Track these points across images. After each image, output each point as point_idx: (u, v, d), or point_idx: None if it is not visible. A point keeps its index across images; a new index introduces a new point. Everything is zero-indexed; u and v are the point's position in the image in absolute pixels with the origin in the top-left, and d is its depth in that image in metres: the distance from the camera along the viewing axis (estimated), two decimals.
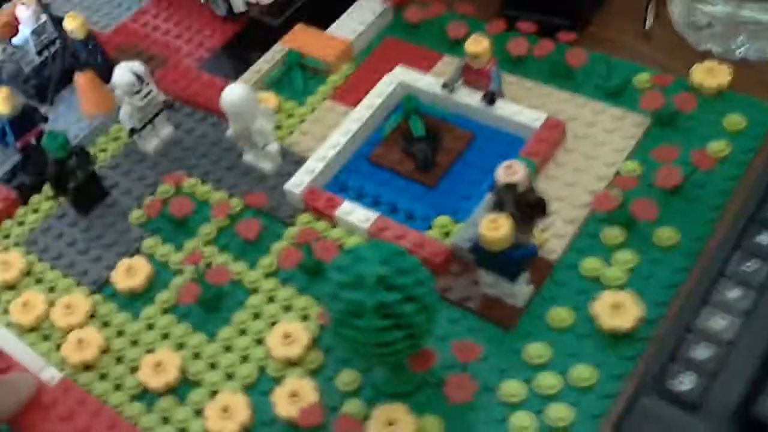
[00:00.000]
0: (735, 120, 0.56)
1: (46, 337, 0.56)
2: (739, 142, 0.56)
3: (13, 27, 0.74)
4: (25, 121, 0.64)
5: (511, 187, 0.48)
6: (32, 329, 0.56)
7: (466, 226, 0.53)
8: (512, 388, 0.47)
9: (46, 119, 0.66)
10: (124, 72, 0.60)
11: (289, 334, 0.51)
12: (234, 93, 0.56)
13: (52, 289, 0.58)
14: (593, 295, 0.50)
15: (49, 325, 0.56)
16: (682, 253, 0.51)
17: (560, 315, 0.50)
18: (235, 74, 0.68)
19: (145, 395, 0.51)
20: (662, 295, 0.50)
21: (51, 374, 0.52)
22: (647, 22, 0.65)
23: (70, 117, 0.69)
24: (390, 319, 0.41)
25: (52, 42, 0.71)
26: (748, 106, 0.57)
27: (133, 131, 0.63)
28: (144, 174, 0.63)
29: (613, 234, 0.52)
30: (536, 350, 0.48)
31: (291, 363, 0.51)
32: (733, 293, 0.46)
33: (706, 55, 0.61)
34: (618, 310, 0.48)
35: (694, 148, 0.55)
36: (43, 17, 0.70)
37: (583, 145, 0.57)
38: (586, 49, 0.62)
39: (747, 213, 0.48)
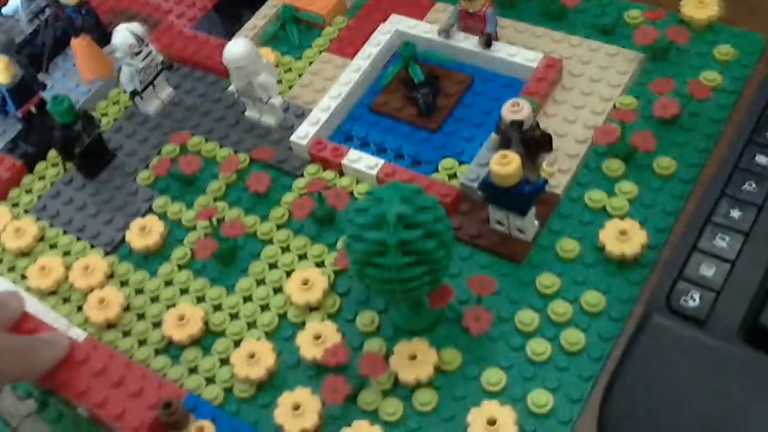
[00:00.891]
0: (725, 50, 0.58)
1: (66, 300, 0.57)
2: (731, 72, 0.57)
3: None
4: (24, 89, 0.64)
5: (516, 124, 0.49)
6: (52, 293, 0.57)
7: (472, 166, 0.55)
8: (527, 317, 0.49)
9: (44, 86, 0.67)
10: (124, 33, 0.60)
11: (307, 280, 0.52)
12: (237, 48, 0.57)
13: (67, 253, 0.59)
14: (599, 225, 0.51)
15: (68, 287, 0.57)
16: (680, 180, 0.53)
17: (568, 246, 0.51)
18: (229, 33, 0.69)
19: (170, 348, 0.53)
20: (663, 222, 0.52)
21: (76, 333, 0.53)
22: None
23: (68, 83, 0.69)
24: (412, 255, 0.43)
25: (42, 10, 0.71)
26: (737, 37, 0.59)
27: (134, 93, 0.63)
28: (147, 135, 0.64)
29: (613, 166, 0.54)
30: (547, 280, 0.50)
31: (310, 308, 0.52)
32: (734, 213, 0.48)
33: None
34: (623, 237, 0.50)
35: (687, 79, 0.57)
36: None
37: (580, 83, 0.59)
38: None
39: (744, 136, 0.50)
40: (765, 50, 0.59)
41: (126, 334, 0.54)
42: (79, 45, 0.65)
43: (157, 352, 0.53)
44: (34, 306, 0.55)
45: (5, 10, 0.71)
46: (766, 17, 0.60)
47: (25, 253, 0.60)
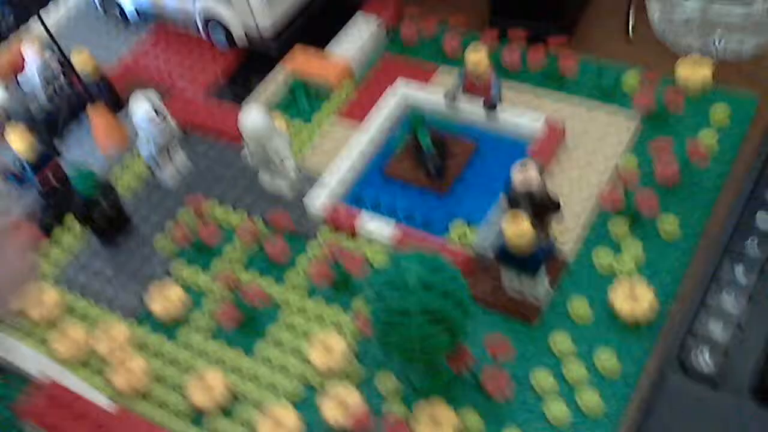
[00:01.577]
0: (721, 111, 0.61)
1: (89, 367, 0.58)
2: (727, 133, 0.60)
3: (17, 65, 0.76)
4: (40, 156, 0.66)
5: (525, 186, 0.51)
6: (76, 361, 0.58)
7: (484, 229, 0.57)
8: (542, 377, 0.51)
9: (59, 153, 0.69)
10: (141, 102, 0.62)
11: (326, 343, 0.54)
12: (252, 116, 0.59)
13: (88, 320, 0.60)
14: (607, 285, 0.53)
15: (92, 354, 0.58)
16: (684, 239, 0.55)
17: (579, 306, 0.53)
18: (239, 99, 0.71)
19: (192, 413, 0.54)
20: (670, 280, 0.53)
21: (104, 402, 0.54)
22: (630, 24, 0.69)
23: (82, 151, 0.71)
24: (433, 317, 0.44)
25: (57, 77, 0.73)
26: (731, 98, 0.62)
27: (150, 160, 0.65)
28: (163, 201, 0.66)
29: (619, 226, 0.56)
30: (561, 341, 0.52)
31: (330, 371, 0.54)
32: (738, 271, 0.50)
33: (687, 53, 0.65)
34: (632, 297, 0.52)
35: (685, 140, 0.59)
36: (48, 54, 0.72)
37: (582, 144, 0.61)
38: (575, 52, 0.66)
39: (744, 196, 0.53)
40: (758, 110, 0.61)
41: (147, 398, 0.55)
42: (96, 113, 0.67)
43: (179, 416, 0.54)
44: (62, 375, 0.57)
45: (22, 78, 0.73)
46: (754, 78, 0.63)
47: (47, 321, 0.61)
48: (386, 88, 0.67)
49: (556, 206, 0.53)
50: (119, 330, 0.58)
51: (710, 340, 0.47)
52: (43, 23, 0.64)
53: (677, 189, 0.57)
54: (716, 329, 0.48)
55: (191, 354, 0.57)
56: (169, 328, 0.59)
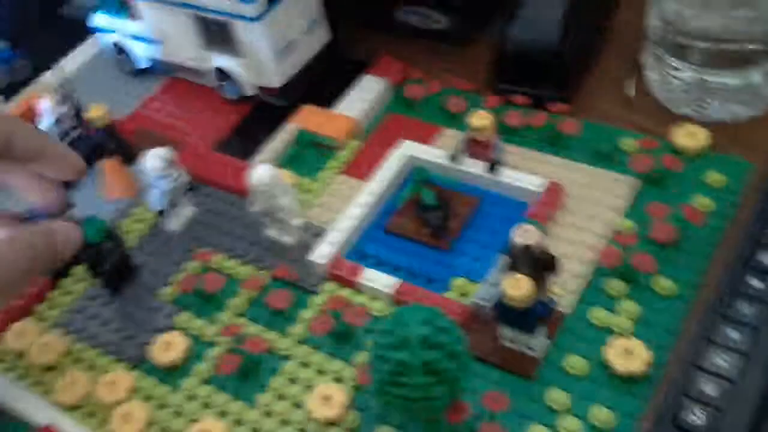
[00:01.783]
0: (716, 177, 0.62)
1: (91, 414, 0.59)
2: (722, 197, 0.62)
3: (32, 115, 0.78)
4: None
5: (526, 248, 0.53)
6: (77, 407, 0.59)
7: (483, 286, 0.58)
8: None
9: (73, 205, 0.70)
10: (154, 159, 0.64)
11: (327, 395, 0.55)
12: (262, 173, 0.61)
13: (92, 368, 0.61)
14: (604, 343, 0.54)
15: (94, 402, 0.59)
16: (680, 300, 0.56)
17: (575, 363, 0.54)
18: (248, 154, 0.73)
19: None
20: (666, 340, 0.54)
21: None
22: (629, 91, 0.71)
23: (93, 201, 0.72)
24: (434, 375, 0.46)
25: (73, 129, 0.75)
26: (726, 164, 0.64)
27: (160, 213, 0.67)
28: (170, 253, 0.67)
29: (617, 286, 0.57)
30: (557, 396, 0.53)
31: (330, 423, 0.55)
32: (732, 334, 0.51)
33: (685, 118, 0.67)
34: (628, 354, 0.53)
35: (682, 204, 0.61)
36: (65, 108, 0.74)
37: (582, 206, 0.63)
38: (576, 117, 0.68)
39: (739, 260, 0.54)
40: (752, 175, 0.63)
41: None
42: (110, 166, 0.69)
43: None
44: (63, 422, 0.58)
45: None
46: (750, 145, 0.65)
47: (52, 368, 0.62)
48: (390, 146, 0.69)
49: (554, 266, 0.54)
50: (123, 379, 0.59)
51: (704, 399, 0.48)
52: (61, 77, 0.66)
53: (673, 250, 0.59)
54: (710, 389, 0.49)
55: (194, 404, 0.58)
56: (172, 378, 0.60)
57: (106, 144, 0.71)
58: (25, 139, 0.56)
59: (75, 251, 0.56)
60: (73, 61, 0.88)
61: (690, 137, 0.65)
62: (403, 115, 0.74)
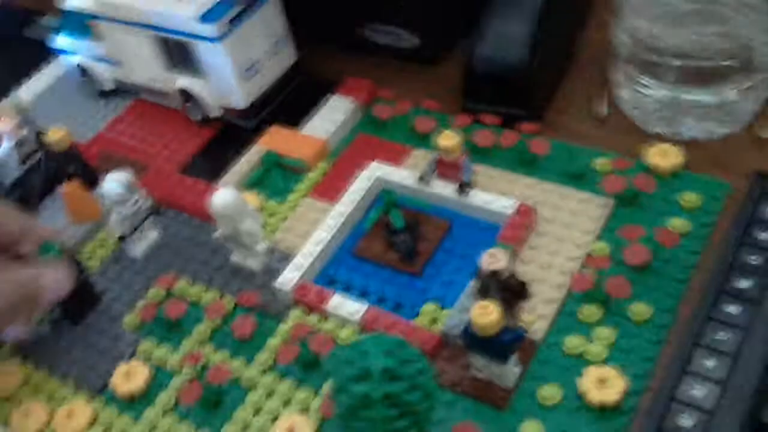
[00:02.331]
0: (691, 197, 0.61)
1: None
2: (697, 218, 0.60)
3: None
4: None
5: (495, 274, 0.51)
6: None
7: (453, 313, 0.56)
8: None
9: None
10: (112, 183, 0.62)
11: (292, 427, 0.53)
12: (223, 197, 0.59)
13: (51, 398, 0.59)
14: (578, 371, 0.53)
15: None
16: (656, 326, 0.55)
17: (549, 392, 0.53)
18: (214, 176, 0.71)
19: None
20: (642, 368, 0.53)
21: None
22: (601, 109, 0.70)
23: (56, 224, 0.70)
24: (397, 408, 0.44)
25: (34, 153, 0.73)
26: (700, 183, 0.62)
27: (122, 238, 0.65)
28: (133, 279, 0.65)
29: (590, 312, 0.56)
30: (530, 428, 0.51)
31: None
32: (709, 362, 0.50)
33: (658, 137, 0.66)
34: (603, 384, 0.51)
35: (656, 225, 0.59)
36: (25, 131, 0.72)
37: (554, 229, 0.61)
38: (546, 137, 0.67)
39: (713, 286, 0.53)
40: (727, 195, 0.62)
41: None
42: (69, 190, 0.67)
43: None
44: None
45: None
46: (725, 165, 0.64)
47: (9, 397, 0.60)
48: (359, 167, 0.68)
49: (525, 293, 0.53)
50: (83, 410, 0.57)
51: (681, 431, 0.47)
52: (19, 101, 0.64)
53: (648, 274, 0.57)
54: (687, 420, 0.47)
55: None
56: (135, 408, 0.58)
57: (67, 167, 0.69)
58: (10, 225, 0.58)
59: (62, 297, 0.58)
60: (36, 83, 0.86)
61: (663, 156, 0.63)
62: (371, 136, 0.72)
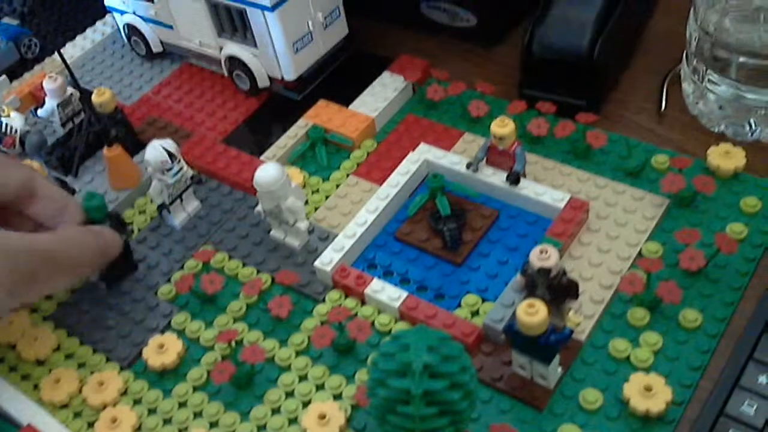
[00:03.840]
0: (751, 202, 0.58)
1: (78, 414, 0.56)
2: (757, 224, 0.58)
3: (36, 97, 0.75)
4: None
5: (544, 271, 0.49)
6: (64, 406, 0.56)
7: (497, 307, 0.55)
8: None
9: (73, 191, 0.68)
10: (156, 150, 0.61)
11: (324, 414, 0.52)
12: (269, 172, 0.58)
13: (82, 365, 0.59)
14: (622, 376, 0.51)
15: (81, 402, 0.56)
16: (706, 334, 0.53)
17: (591, 396, 0.51)
18: (259, 148, 0.70)
19: None
20: (689, 377, 0.51)
21: None
22: (662, 104, 0.67)
23: (96, 189, 0.69)
24: (436, 406, 0.42)
25: (77, 113, 0.72)
26: (763, 188, 0.60)
27: (162, 207, 0.64)
28: (172, 248, 0.64)
29: (638, 315, 0.54)
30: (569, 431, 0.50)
31: None
32: (762, 378, 0.47)
33: (720, 136, 0.63)
34: (648, 393, 0.49)
35: (713, 229, 0.57)
36: (70, 90, 0.71)
37: (606, 226, 0.59)
38: (604, 129, 0.64)
39: None
40: None
41: None
42: (111, 155, 0.66)
43: None
44: (46, 421, 0.55)
45: (41, 112, 0.72)
46: None
47: (41, 362, 0.59)
48: (408, 150, 0.66)
49: (575, 293, 0.51)
50: (113, 381, 0.56)
51: None
52: (64, 62, 0.63)
53: (701, 279, 0.55)
54: None
55: (185, 412, 0.55)
56: (164, 382, 0.57)
57: (111, 130, 0.68)
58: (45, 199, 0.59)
59: (117, 254, 0.60)
60: (84, 41, 0.85)
61: (725, 157, 0.61)
62: (422, 117, 0.70)
